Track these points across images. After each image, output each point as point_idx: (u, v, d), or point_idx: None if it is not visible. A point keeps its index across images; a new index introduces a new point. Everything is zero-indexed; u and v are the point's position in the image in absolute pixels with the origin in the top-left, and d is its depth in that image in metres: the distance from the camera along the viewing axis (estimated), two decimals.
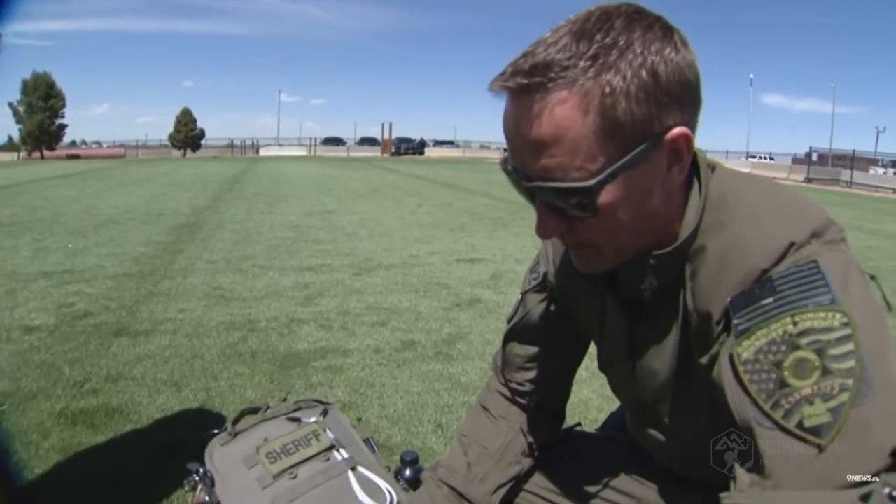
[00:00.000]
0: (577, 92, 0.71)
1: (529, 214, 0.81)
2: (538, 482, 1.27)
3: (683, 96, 0.75)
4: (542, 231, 0.82)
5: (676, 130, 0.75)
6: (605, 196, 0.75)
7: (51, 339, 3.43)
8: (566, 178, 0.74)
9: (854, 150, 32.77)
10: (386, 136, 57.54)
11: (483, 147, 62.53)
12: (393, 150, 54.33)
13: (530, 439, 1.22)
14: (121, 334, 3.53)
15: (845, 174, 29.27)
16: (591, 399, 2.74)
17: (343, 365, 3.19)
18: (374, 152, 55.20)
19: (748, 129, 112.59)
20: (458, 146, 64.96)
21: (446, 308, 4.31)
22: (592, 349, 1.16)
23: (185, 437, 2.25)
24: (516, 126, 0.75)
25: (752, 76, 74.23)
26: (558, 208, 0.78)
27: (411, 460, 1.94)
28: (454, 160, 43.62)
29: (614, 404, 1.44)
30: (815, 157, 39.00)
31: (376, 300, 4.50)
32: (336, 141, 64.40)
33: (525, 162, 0.77)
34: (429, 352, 3.42)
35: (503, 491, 1.21)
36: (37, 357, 3.14)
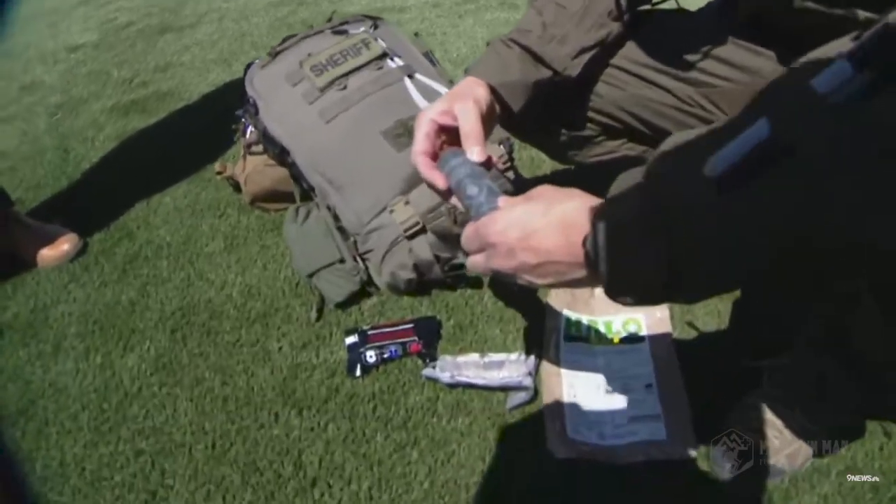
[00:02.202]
0: None
1: None
2: (628, 55, 1.00)
3: None
4: None
5: None
6: None
7: (96, 51, 3.20)
8: None
9: None
10: None
11: None
12: None
13: None
14: (166, 31, 3.27)
15: None
16: None
17: (401, 20, 2.83)
18: None
19: None
20: None
21: None
22: None
23: (237, 104, 2.07)
24: None
25: None
26: None
27: None
28: None
29: None
30: None
31: None
32: None
33: None
34: (492, 3, 3.00)
35: (586, 56, 0.94)
36: (84, 69, 2.94)
